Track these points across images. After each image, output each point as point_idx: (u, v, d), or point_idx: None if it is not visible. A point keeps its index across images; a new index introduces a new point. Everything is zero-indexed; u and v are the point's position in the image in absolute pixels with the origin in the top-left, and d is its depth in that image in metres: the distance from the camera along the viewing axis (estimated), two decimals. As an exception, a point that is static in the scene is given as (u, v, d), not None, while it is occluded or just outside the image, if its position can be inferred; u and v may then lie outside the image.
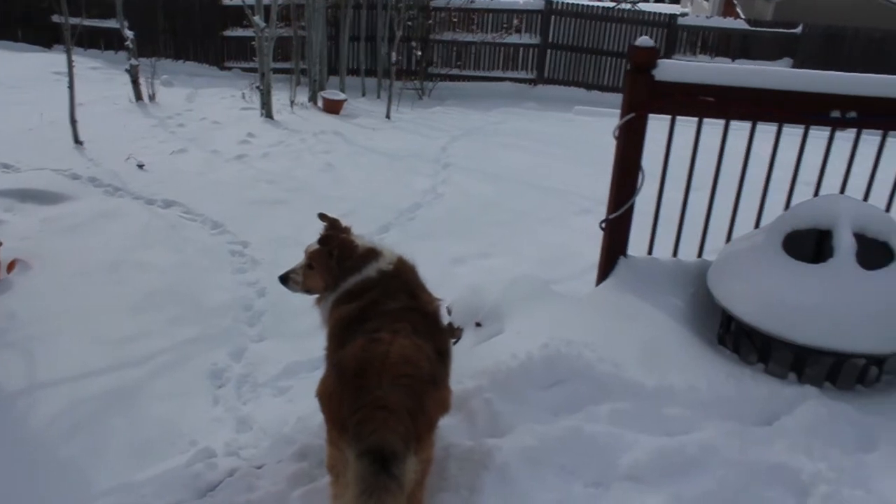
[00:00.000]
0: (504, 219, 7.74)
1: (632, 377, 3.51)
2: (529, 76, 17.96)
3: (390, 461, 2.39)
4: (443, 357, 2.85)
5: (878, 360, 3.76)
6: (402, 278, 2.99)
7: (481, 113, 14.46)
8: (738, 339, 3.91)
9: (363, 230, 3.57)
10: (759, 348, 3.82)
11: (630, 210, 4.26)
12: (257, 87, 12.40)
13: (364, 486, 2.36)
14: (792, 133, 4.28)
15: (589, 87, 17.72)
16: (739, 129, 4.15)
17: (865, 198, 4.40)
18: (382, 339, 2.58)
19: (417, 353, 2.59)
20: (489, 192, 8.75)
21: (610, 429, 3.25)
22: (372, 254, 3.08)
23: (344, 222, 3.39)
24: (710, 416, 3.37)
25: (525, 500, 2.89)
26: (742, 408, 3.46)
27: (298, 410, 4.05)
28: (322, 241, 3.19)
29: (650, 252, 4.49)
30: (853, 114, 4.20)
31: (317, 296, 3.25)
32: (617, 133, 4.15)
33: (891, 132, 4.26)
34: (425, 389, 2.55)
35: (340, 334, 2.81)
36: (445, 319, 4.28)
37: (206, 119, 11.66)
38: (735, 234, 4.39)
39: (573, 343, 3.59)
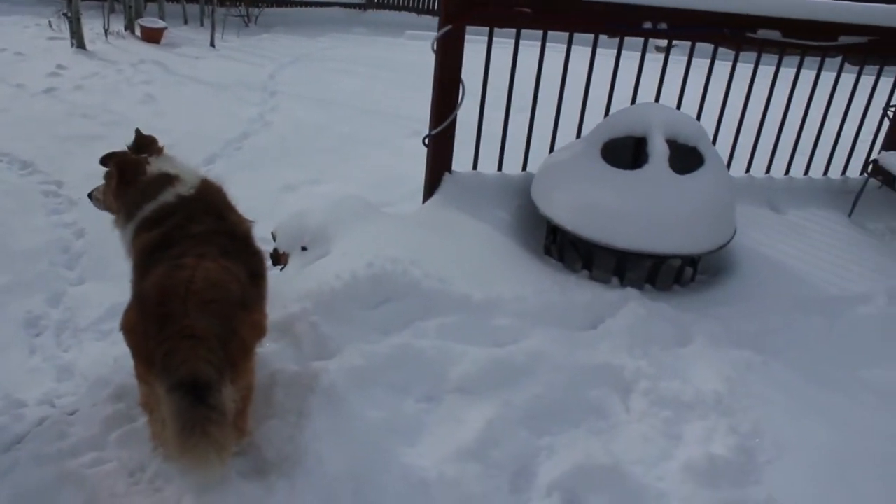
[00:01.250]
0: (334, 144, 7.55)
1: (459, 291, 3.49)
2: (359, 1, 17.52)
3: (205, 391, 2.24)
4: (256, 279, 2.70)
5: (692, 261, 3.92)
6: (207, 201, 2.78)
7: (310, 39, 14.00)
8: (562, 248, 3.97)
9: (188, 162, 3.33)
10: (582, 256, 3.89)
11: (452, 125, 4.20)
12: (65, 15, 11.43)
13: (183, 422, 2.20)
14: (607, 54, 4.34)
15: (420, 11, 17.47)
16: (559, 47, 4.16)
17: (678, 108, 4.54)
18: (186, 264, 2.40)
19: (225, 275, 2.44)
20: (319, 118, 8.51)
21: (439, 343, 3.22)
22: (167, 178, 2.84)
23: (161, 143, 3.15)
24: (537, 323, 3.41)
25: (354, 419, 2.83)
26: (568, 314, 3.53)
27: (119, 351, 3.80)
28: (103, 159, 2.96)
29: (475, 167, 4.47)
30: (664, 25, 4.29)
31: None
32: (435, 46, 4.05)
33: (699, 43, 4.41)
34: (236, 313, 2.40)
35: (143, 264, 2.60)
36: (271, 245, 4.13)
37: (7, 50, 10.66)
38: (557, 147, 4.42)
39: (399, 261, 3.52)
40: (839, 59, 5.12)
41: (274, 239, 4.14)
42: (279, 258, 4.09)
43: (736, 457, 2.76)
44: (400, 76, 10.43)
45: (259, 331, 2.58)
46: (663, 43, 4.87)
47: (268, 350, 3.18)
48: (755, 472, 2.74)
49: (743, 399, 3.06)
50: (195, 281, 2.35)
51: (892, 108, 5.21)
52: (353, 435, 2.78)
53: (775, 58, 4.77)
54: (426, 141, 4.24)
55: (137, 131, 3.16)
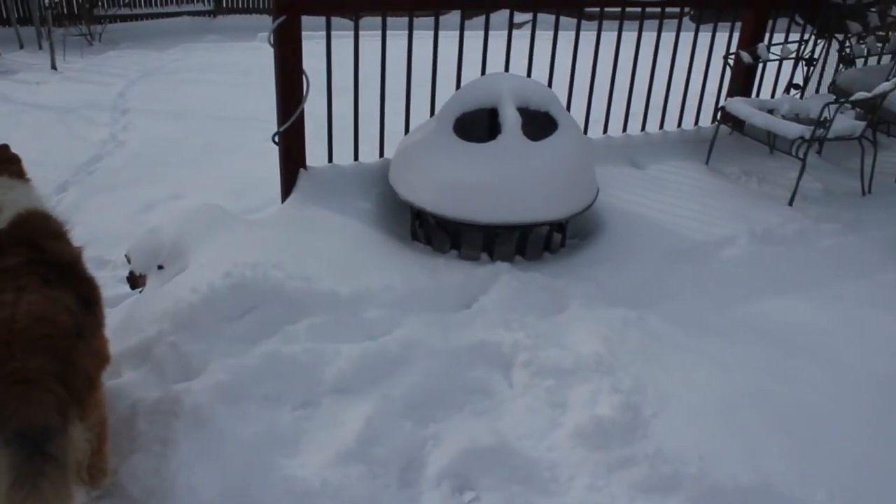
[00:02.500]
0: (192, 156, 7.24)
1: (325, 288, 3.35)
2: (208, 7, 16.98)
3: (44, 440, 2.04)
4: (90, 306, 2.47)
5: (560, 226, 3.90)
6: (23, 231, 2.51)
7: (160, 52, 13.44)
8: (429, 230, 3.89)
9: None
10: (449, 235, 3.82)
11: (301, 120, 4.04)
12: None
13: (14, 476, 1.99)
14: (451, 35, 4.28)
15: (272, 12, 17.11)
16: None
17: (528, 75, 4.51)
18: (4, 301, 2.17)
19: (53, 307, 2.22)
20: (174, 131, 8.15)
21: (310, 345, 3.08)
22: None
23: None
24: (409, 311, 3.32)
25: (225, 439, 2.67)
26: (440, 297, 3.45)
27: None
28: None
29: (330, 160, 4.33)
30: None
31: None
32: (272, 40, 3.88)
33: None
34: (72, 345, 2.19)
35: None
36: (126, 268, 3.89)
37: None
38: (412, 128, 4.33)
39: (259, 265, 3.35)
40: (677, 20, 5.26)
41: (129, 261, 3.90)
42: (136, 281, 3.85)
43: (621, 415, 2.73)
44: (254, 79, 10.10)
45: (101, 359, 2.38)
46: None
47: (126, 380, 2.97)
48: (642, 426, 2.73)
49: (623, 357, 3.05)
50: (17, 318, 2.12)
51: (732, 56, 5.36)
52: (225, 456, 2.61)
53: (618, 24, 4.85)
54: (276, 139, 4.06)
55: None
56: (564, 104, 4.59)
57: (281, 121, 4.00)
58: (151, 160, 7.29)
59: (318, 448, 2.70)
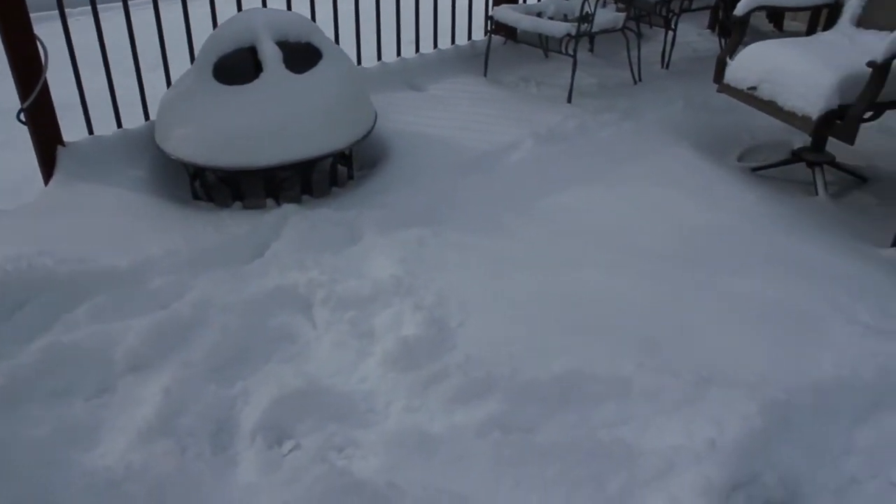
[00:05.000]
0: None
1: (103, 266, 3.09)
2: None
3: None
4: None
5: (343, 157, 3.79)
6: None
7: None
8: (208, 186, 3.67)
9: None
10: (230, 187, 3.62)
11: (46, 92, 3.67)
12: None
13: None
14: None
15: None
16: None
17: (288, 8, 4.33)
18: None
19: None
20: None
21: (94, 329, 2.83)
22: None
23: None
24: (198, 271, 3.13)
25: (10, 448, 2.40)
26: (229, 251, 3.27)
27: None
28: None
29: (90, 132, 3.98)
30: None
31: None
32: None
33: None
34: None
35: None
36: None
37: None
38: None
39: (22, 257, 3.04)
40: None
41: None
42: None
43: (427, 331, 2.69)
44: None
45: None
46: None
47: None
48: (449, 338, 2.70)
49: (421, 275, 3.01)
50: None
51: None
52: (12, 466, 2.36)
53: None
54: (21, 116, 3.69)
55: None
56: (332, 37, 4.45)
57: (24, 94, 3.63)
58: None
59: (118, 433, 2.50)
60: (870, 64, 3.38)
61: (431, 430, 2.37)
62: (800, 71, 3.69)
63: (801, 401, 2.47)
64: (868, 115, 3.66)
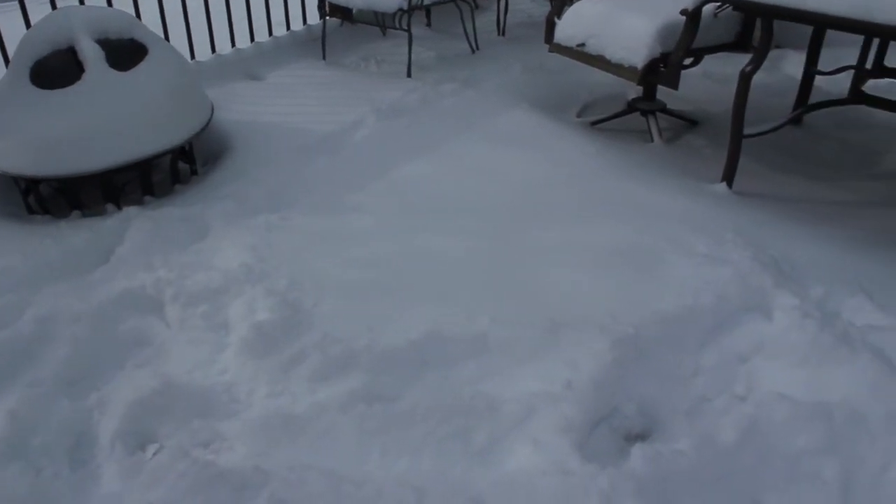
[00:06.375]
0: None
1: (-69, 294, 2.91)
2: None
3: None
4: None
5: (183, 153, 3.69)
6: None
7: None
8: (42, 198, 3.51)
9: None
10: (67, 197, 3.47)
11: None
12: None
13: None
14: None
15: None
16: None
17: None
18: None
19: None
20: None
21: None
22: None
23: None
24: (39, 286, 2.97)
25: None
26: (71, 262, 3.12)
27: None
28: None
29: None
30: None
31: None
32: None
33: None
34: None
35: None
36: None
37: None
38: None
39: None
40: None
41: None
42: None
43: (282, 315, 2.67)
44: None
45: None
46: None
47: None
48: (305, 319, 2.69)
49: (272, 260, 2.98)
50: None
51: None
52: None
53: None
54: None
55: None
56: (161, 33, 4.32)
57: None
58: None
59: (-35, 468, 2.37)
60: (682, 12, 3.56)
61: (295, 412, 2.36)
62: (622, 24, 3.84)
63: (649, 333, 2.60)
64: (689, 61, 3.85)
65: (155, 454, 2.39)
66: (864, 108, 4.18)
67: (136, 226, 3.24)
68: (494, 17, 5.71)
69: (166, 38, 4.40)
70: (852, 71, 4.10)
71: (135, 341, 2.77)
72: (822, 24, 3.51)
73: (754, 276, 2.85)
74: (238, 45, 5.07)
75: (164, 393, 2.49)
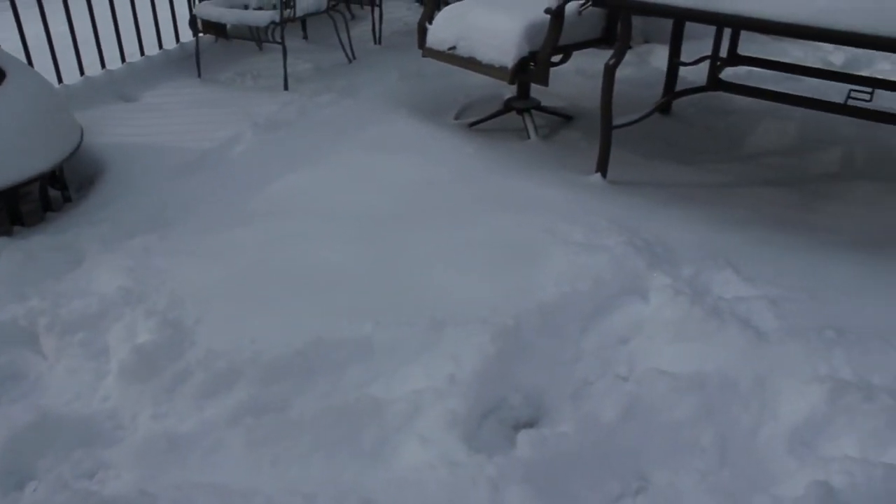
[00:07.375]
0: None
1: None
2: None
3: None
4: None
5: (54, 179, 3.58)
6: None
7: None
8: None
9: None
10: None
11: None
12: None
13: None
14: None
15: None
16: None
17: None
18: None
19: None
20: None
21: None
22: None
23: None
24: None
25: None
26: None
27: None
28: None
29: None
30: None
31: None
32: None
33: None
34: None
35: None
36: None
37: None
38: None
39: None
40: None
41: None
42: None
43: (162, 335, 2.62)
44: None
45: None
46: None
47: None
48: (187, 337, 2.65)
49: (151, 281, 2.92)
50: None
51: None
52: None
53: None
54: None
55: None
56: (23, 58, 4.18)
57: None
58: None
59: None
60: (547, 11, 3.66)
61: (182, 431, 2.32)
62: (490, 25, 3.93)
63: (531, 322, 2.66)
64: (557, 58, 3.96)
65: (34, 491, 2.31)
66: (725, 96, 4.39)
67: (4, 257, 3.11)
68: (370, 27, 5.74)
69: (29, 62, 4.24)
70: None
71: (8, 376, 2.66)
72: (673, 17, 3.68)
73: (629, 259, 2.96)
74: (108, 66, 4.93)
75: (41, 426, 2.40)
